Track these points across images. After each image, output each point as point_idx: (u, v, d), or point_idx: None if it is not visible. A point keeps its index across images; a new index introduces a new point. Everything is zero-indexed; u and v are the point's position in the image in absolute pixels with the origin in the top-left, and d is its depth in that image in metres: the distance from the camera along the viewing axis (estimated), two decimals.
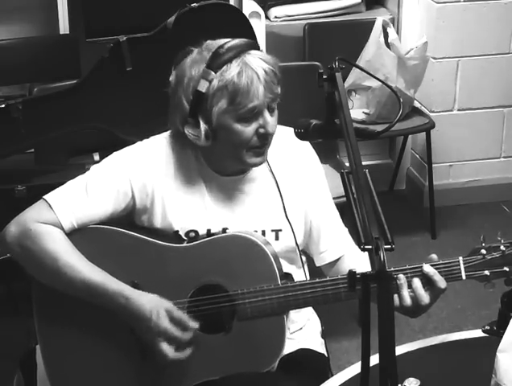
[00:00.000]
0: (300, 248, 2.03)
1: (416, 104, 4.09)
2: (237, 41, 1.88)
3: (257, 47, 1.90)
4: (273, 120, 1.90)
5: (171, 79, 1.94)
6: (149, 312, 1.85)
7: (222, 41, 1.90)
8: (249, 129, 1.88)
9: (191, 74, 1.87)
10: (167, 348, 1.86)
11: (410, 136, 4.35)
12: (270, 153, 1.96)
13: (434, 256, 1.84)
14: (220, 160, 1.96)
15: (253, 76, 1.83)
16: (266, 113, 1.88)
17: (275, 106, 1.91)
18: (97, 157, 3.22)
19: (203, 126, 1.87)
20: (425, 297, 1.80)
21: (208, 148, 1.92)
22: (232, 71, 1.83)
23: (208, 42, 1.92)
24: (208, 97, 1.85)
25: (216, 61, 1.85)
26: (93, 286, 1.87)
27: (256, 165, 1.95)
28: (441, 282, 1.80)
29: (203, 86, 1.85)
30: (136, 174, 1.95)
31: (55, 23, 3.99)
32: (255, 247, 1.90)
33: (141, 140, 2.04)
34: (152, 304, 1.86)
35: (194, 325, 1.87)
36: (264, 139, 1.90)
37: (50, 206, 1.91)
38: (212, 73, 1.84)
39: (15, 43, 3.86)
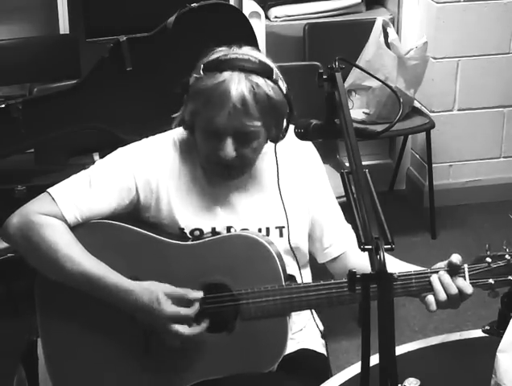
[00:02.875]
0: (303, 245, 2.03)
1: (416, 104, 4.09)
2: (247, 57, 1.85)
3: (267, 75, 1.85)
4: (243, 150, 1.87)
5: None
6: (149, 301, 1.85)
7: (242, 51, 1.88)
8: (207, 144, 1.89)
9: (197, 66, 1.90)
10: (179, 328, 1.85)
11: (410, 136, 4.35)
12: (279, 151, 1.96)
13: (456, 256, 1.84)
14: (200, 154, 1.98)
15: (226, 96, 1.81)
16: (228, 140, 1.86)
17: (250, 140, 1.88)
18: (96, 157, 3.22)
19: (180, 113, 1.93)
20: (469, 287, 1.80)
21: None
22: (214, 79, 1.83)
23: (237, 48, 1.90)
24: (189, 94, 1.89)
25: (213, 65, 1.86)
26: (93, 279, 1.87)
27: (222, 179, 1.96)
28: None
29: (191, 80, 1.88)
30: (141, 170, 1.95)
31: (55, 23, 4.00)
32: (260, 246, 1.90)
33: (141, 140, 2.04)
34: (149, 292, 1.86)
35: (197, 295, 1.87)
36: (221, 161, 1.88)
37: (53, 199, 1.92)
38: (202, 72, 1.86)
39: (15, 43, 3.86)
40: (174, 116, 1.96)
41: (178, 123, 1.96)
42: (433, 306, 1.81)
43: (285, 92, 1.88)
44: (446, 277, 1.80)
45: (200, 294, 1.88)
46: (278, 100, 1.86)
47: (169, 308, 1.85)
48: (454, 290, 1.79)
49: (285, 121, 1.92)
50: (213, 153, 1.89)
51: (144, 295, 1.86)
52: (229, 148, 1.86)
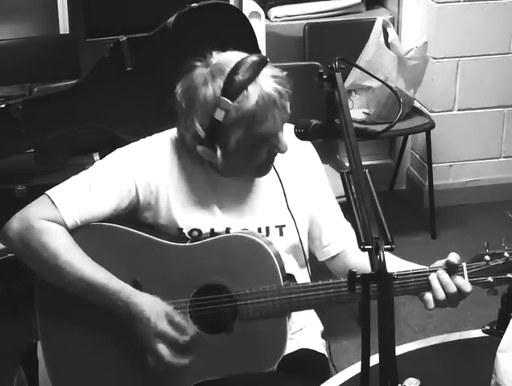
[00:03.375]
0: (305, 244, 2.04)
1: (416, 104, 4.09)
2: (248, 62, 1.85)
3: (266, 63, 1.87)
4: (284, 138, 1.91)
5: (177, 96, 1.90)
6: (148, 312, 1.85)
7: (232, 58, 1.86)
8: (262, 151, 1.90)
9: (205, 98, 1.84)
10: (163, 350, 1.85)
11: (410, 136, 4.36)
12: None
13: (454, 255, 1.84)
14: (227, 171, 1.96)
15: (270, 102, 1.83)
16: (281, 134, 1.89)
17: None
18: (96, 157, 3.22)
19: (219, 151, 1.87)
20: (468, 285, 1.80)
21: (225, 162, 1.91)
22: (250, 100, 1.81)
23: (216, 57, 1.88)
24: (226, 126, 1.83)
25: (232, 89, 1.81)
26: (94, 285, 1.87)
27: (261, 177, 1.98)
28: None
29: (219, 115, 1.82)
30: (140, 171, 1.95)
31: (55, 23, 3.99)
32: (258, 247, 1.90)
33: (139, 140, 2.04)
34: (152, 305, 1.86)
35: (193, 330, 1.87)
36: (273, 157, 1.93)
37: (53, 202, 1.91)
38: (229, 102, 1.81)
39: (15, 42, 3.86)
40: (211, 159, 1.90)
41: (220, 163, 1.89)
42: (431, 305, 1.82)
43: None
44: (445, 276, 1.80)
45: (194, 332, 1.87)
46: (285, 76, 1.89)
47: (164, 325, 1.85)
48: (453, 289, 1.79)
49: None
50: (268, 152, 1.90)
51: (145, 305, 1.86)
52: (283, 138, 1.89)
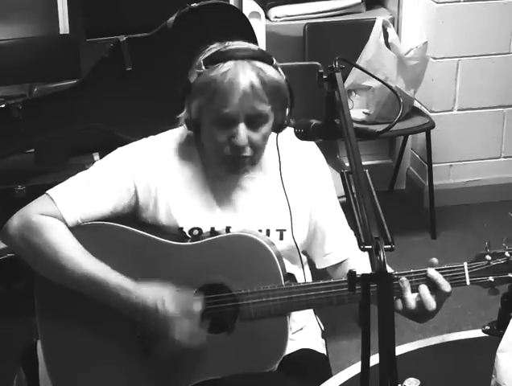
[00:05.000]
0: (302, 249, 2.03)
1: (416, 104, 4.09)
2: (246, 46, 1.88)
3: (267, 61, 1.87)
4: (254, 135, 1.88)
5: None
6: (153, 302, 1.85)
7: (237, 43, 1.89)
8: (221, 135, 1.88)
9: (194, 64, 1.90)
10: (186, 326, 1.85)
11: (410, 136, 4.35)
12: (282, 152, 1.95)
13: (435, 259, 1.84)
14: (211, 158, 1.97)
15: (234, 83, 1.82)
16: (241, 126, 1.86)
17: (261, 123, 1.88)
18: (96, 157, 3.22)
19: (184, 114, 1.92)
20: (432, 302, 1.80)
21: (202, 144, 1.94)
22: (219, 70, 1.83)
23: (229, 42, 1.91)
24: (193, 89, 1.87)
25: (213, 58, 1.86)
26: (93, 279, 1.87)
27: (234, 175, 1.96)
28: (446, 286, 1.80)
29: (193, 77, 1.87)
30: (139, 170, 1.95)
31: (55, 23, 3.99)
32: (259, 247, 1.90)
33: (140, 140, 2.04)
34: (155, 294, 1.86)
35: (198, 307, 1.86)
36: (236, 151, 1.88)
37: (53, 200, 1.92)
38: (203, 67, 1.85)
39: (15, 43, 3.86)
40: (178, 117, 1.95)
41: (183, 124, 1.94)
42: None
43: (285, 77, 1.90)
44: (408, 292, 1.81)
45: (199, 306, 1.87)
46: (282, 83, 1.88)
47: (173, 309, 1.85)
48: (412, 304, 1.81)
49: (287, 108, 1.93)
50: (226, 143, 1.88)
51: (148, 295, 1.86)
52: (243, 133, 1.86)
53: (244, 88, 1.82)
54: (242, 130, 1.86)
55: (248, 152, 1.89)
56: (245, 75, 1.82)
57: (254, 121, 1.87)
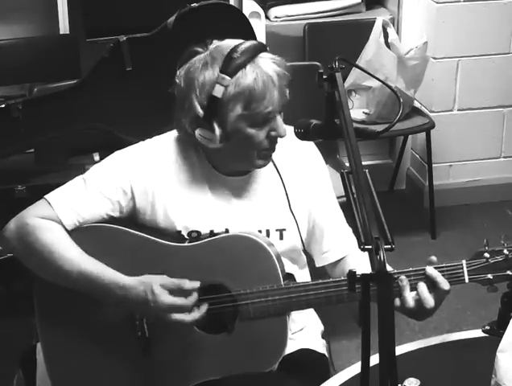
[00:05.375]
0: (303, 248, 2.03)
1: (416, 104, 4.09)
2: (248, 44, 1.88)
3: (265, 49, 1.89)
4: (282, 123, 1.91)
5: (177, 80, 1.91)
6: (143, 293, 1.84)
7: (232, 43, 1.88)
8: (261, 133, 1.89)
9: (204, 78, 1.85)
10: (180, 317, 1.85)
11: (410, 136, 4.35)
12: (275, 152, 1.96)
13: (433, 257, 1.84)
14: (227, 161, 1.96)
15: (269, 82, 1.83)
16: (279, 117, 1.89)
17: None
18: (97, 157, 3.22)
19: (217, 130, 1.86)
20: (430, 300, 1.80)
21: (215, 150, 1.92)
22: (248, 76, 1.83)
23: (216, 43, 1.91)
24: (224, 103, 1.84)
25: (231, 66, 1.83)
26: (89, 277, 1.87)
27: (263, 166, 1.96)
28: (445, 284, 1.80)
29: (218, 91, 1.83)
30: (137, 174, 1.95)
31: (55, 23, 4.00)
32: (258, 247, 1.90)
33: (141, 140, 2.04)
34: (146, 285, 1.85)
35: (194, 285, 1.86)
36: (275, 142, 1.91)
37: (50, 204, 1.92)
38: (228, 78, 1.83)
39: (15, 43, 3.86)
40: (210, 139, 1.87)
41: (218, 142, 1.87)
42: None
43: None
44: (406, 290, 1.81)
45: (196, 284, 1.86)
46: (286, 64, 1.90)
47: (166, 299, 1.84)
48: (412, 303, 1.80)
49: None
50: (268, 136, 1.89)
51: (140, 288, 1.85)
52: (281, 122, 1.89)
53: (277, 80, 1.84)
54: (281, 121, 1.89)
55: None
56: (271, 70, 1.84)
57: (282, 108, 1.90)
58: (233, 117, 1.85)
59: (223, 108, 1.85)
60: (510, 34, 4.16)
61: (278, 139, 1.94)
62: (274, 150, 1.93)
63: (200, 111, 1.86)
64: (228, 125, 1.86)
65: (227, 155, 1.94)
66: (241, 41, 1.90)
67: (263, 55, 1.86)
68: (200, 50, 1.91)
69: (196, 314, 1.86)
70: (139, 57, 2.91)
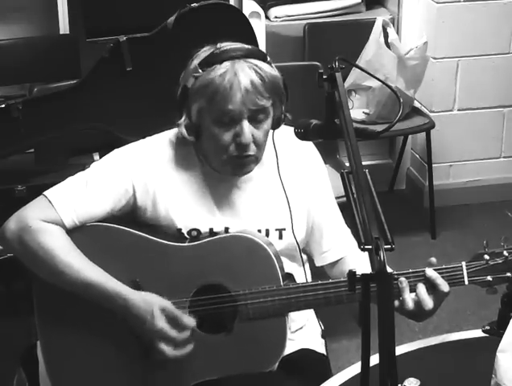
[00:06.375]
0: (301, 247, 2.03)
1: (416, 104, 4.09)
2: (239, 46, 1.88)
3: (261, 58, 1.88)
4: (255, 131, 1.88)
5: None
6: (144, 312, 1.85)
7: (228, 43, 1.89)
8: (225, 134, 1.88)
9: (188, 70, 1.90)
10: (164, 347, 1.85)
11: (410, 136, 4.36)
12: (279, 151, 1.95)
13: (433, 259, 1.85)
14: (212, 162, 1.97)
15: (235, 82, 1.83)
16: (245, 123, 1.87)
17: (263, 119, 1.89)
18: (96, 157, 3.22)
19: (183, 120, 1.91)
20: (429, 301, 1.80)
21: (200, 148, 1.94)
22: (216, 71, 1.84)
23: (221, 44, 1.91)
24: (191, 93, 1.88)
25: (208, 60, 1.86)
26: (92, 286, 1.87)
27: (238, 175, 1.96)
28: (444, 286, 1.80)
29: (189, 82, 1.88)
30: (137, 172, 1.95)
31: (55, 23, 3.99)
32: (258, 247, 1.90)
33: (138, 140, 2.04)
34: (148, 304, 1.86)
35: (190, 323, 1.87)
36: (242, 149, 1.89)
37: (50, 202, 1.91)
38: (200, 71, 1.86)
39: (15, 43, 3.86)
40: (178, 123, 1.93)
41: (183, 131, 1.92)
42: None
43: (280, 73, 1.91)
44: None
45: (192, 323, 1.86)
46: (279, 78, 1.89)
47: (160, 324, 1.85)
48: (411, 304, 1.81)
49: (283, 104, 1.93)
50: (230, 143, 1.88)
51: (141, 305, 1.86)
52: (247, 130, 1.87)
53: (245, 84, 1.83)
54: (247, 127, 1.87)
55: (252, 150, 1.90)
56: (243, 73, 1.83)
57: (256, 118, 1.88)
58: (197, 108, 1.88)
59: (189, 98, 1.89)
60: (510, 34, 4.16)
61: (278, 139, 1.94)
62: (246, 159, 1.90)
63: (178, 99, 1.91)
64: (192, 116, 1.90)
65: (209, 156, 1.95)
66: (243, 44, 1.90)
67: (251, 60, 1.85)
68: (206, 48, 1.92)
69: (179, 352, 1.87)
70: (139, 57, 2.91)
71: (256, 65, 1.85)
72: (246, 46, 1.89)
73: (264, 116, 1.89)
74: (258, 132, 1.89)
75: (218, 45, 1.90)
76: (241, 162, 1.91)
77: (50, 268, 1.89)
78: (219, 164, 1.95)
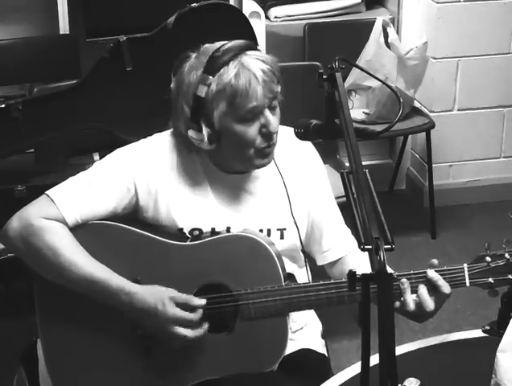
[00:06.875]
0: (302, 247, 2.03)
1: (416, 104, 4.09)
2: (233, 43, 1.89)
3: (254, 48, 1.90)
4: (275, 119, 1.90)
5: (171, 86, 1.94)
6: (153, 303, 1.85)
7: (219, 44, 1.90)
8: (251, 129, 1.89)
9: (189, 80, 1.88)
10: (183, 330, 1.86)
11: (410, 136, 4.36)
12: (275, 152, 1.96)
13: (435, 261, 1.85)
14: (227, 160, 1.97)
15: (251, 77, 1.84)
16: (267, 112, 1.88)
17: (277, 104, 1.91)
18: (96, 157, 3.22)
19: (205, 130, 1.88)
20: (430, 303, 1.80)
21: (214, 150, 1.92)
22: (229, 73, 1.84)
23: (206, 46, 1.92)
24: (208, 101, 1.86)
25: (213, 65, 1.85)
26: (95, 282, 1.87)
27: (263, 166, 1.96)
28: (445, 287, 1.81)
29: (202, 91, 1.86)
30: (139, 171, 1.95)
31: (55, 23, 3.99)
32: (259, 247, 1.90)
33: (139, 140, 2.04)
34: (155, 295, 1.86)
35: (201, 302, 1.87)
36: (269, 138, 1.90)
37: (52, 201, 1.91)
38: (210, 77, 1.85)
39: (15, 43, 3.86)
40: (198, 139, 1.88)
41: (206, 141, 1.88)
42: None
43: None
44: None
45: (203, 302, 1.88)
46: (276, 60, 1.90)
47: (175, 311, 1.86)
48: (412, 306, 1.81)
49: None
50: (257, 135, 1.89)
51: (149, 297, 1.86)
52: (272, 117, 1.88)
53: (260, 76, 1.84)
54: (270, 116, 1.88)
55: (275, 138, 1.91)
56: (254, 66, 1.84)
57: (272, 104, 1.89)
58: (219, 114, 1.87)
59: (208, 107, 1.87)
60: (510, 34, 4.16)
61: (279, 139, 1.94)
62: (271, 147, 1.92)
63: (188, 112, 1.88)
64: (215, 124, 1.87)
65: (226, 156, 1.94)
66: (236, 41, 1.90)
67: (249, 52, 1.87)
68: (191, 54, 1.93)
69: (199, 331, 1.88)
70: (139, 57, 2.91)
71: (257, 55, 1.87)
72: (238, 41, 1.90)
73: (276, 101, 1.91)
74: (275, 118, 1.91)
75: (203, 49, 1.90)
76: (267, 151, 1.92)
77: (53, 265, 1.89)
78: (243, 161, 1.94)
